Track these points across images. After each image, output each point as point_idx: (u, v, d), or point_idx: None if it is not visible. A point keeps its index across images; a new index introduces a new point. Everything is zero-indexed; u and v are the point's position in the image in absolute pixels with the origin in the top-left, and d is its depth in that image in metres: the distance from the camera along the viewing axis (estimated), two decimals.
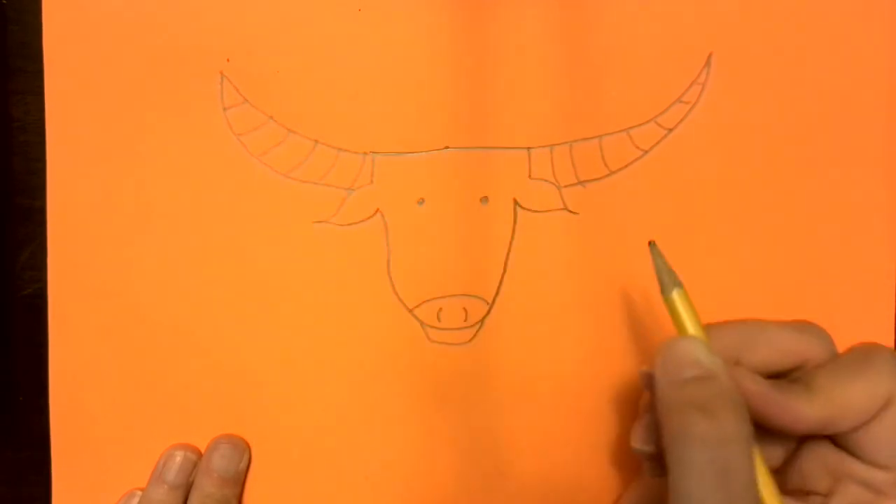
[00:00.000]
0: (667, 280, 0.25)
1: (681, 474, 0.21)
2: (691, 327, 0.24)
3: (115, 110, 0.31)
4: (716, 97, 0.31)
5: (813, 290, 0.32)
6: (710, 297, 0.32)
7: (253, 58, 0.31)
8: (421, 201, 0.31)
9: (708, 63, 0.31)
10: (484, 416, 0.32)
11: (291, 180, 0.31)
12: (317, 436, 0.32)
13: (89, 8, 0.30)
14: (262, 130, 0.31)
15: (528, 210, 0.31)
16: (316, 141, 0.31)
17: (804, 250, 0.32)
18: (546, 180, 0.31)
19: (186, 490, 0.31)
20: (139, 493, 0.31)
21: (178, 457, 0.31)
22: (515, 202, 0.31)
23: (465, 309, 0.32)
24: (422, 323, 0.32)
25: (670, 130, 0.32)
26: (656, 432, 0.24)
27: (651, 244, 0.26)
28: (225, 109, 0.31)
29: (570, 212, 0.32)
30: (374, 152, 0.31)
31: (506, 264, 0.32)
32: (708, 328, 0.25)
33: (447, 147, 0.31)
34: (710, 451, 0.21)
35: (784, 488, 0.25)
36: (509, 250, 0.32)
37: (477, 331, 0.32)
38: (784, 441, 0.26)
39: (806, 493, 0.25)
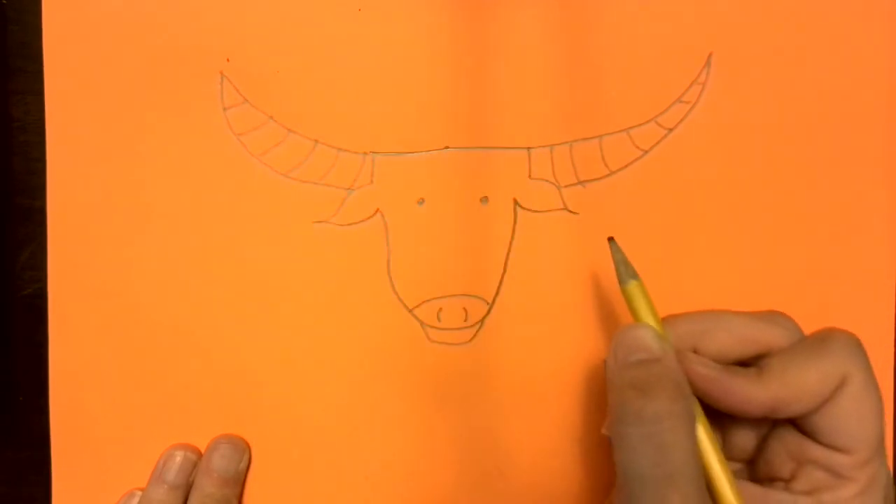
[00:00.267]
0: (623, 272, 0.27)
1: (621, 450, 0.22)
2: (644, 316, 0.26)
3: (115, 110, 0.31)
4: (716, 97, 0.31)
5: (813, 289, 0.32)
6: (710, 296, 0.32)
7: (253, 58, 0.31)
8: (421, 201, 0.31)
9: (708, 63, 0.31)
10: (484, 416, 0.32)
11: (291, 180, 0.31)
12: (317, 436, 0.32)
13: (89, 8, 0.30)
14: (262, 130, 0.31)
15: (528, 210, 0.31)
16: (316, 141, 0.31)
17: (804, 250, 0.32)
18: (546, 180, 0.31)
19: (186, 490, 0.31)
20: (139, 493, 0.31)
21: (178, 457, 0.31)
22: (515, 202, 0.31)
23: (465, 309, 0.32)
24: (422, 323, 0.32)
25: (670, 130, 0.32)
26: None
27: (610, 240, 0.27)
28: (225, 109, 0.31)
29: (570, 212, 0.32)
30: (374, 152, 0.31)
31: (506, 264, 0.32)
32: (668, 318, 0.26)
33: (447, 147, 0.31)
34: (644, 427, 0.22)
35: (754, 477, 0.26)
36: (509, 250, 0.32)
37: (477, 331, 0.32)
38: (753, 429, 0.26)
39: (772, 480, 0.25)
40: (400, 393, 0.32)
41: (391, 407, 0.32)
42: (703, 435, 0.24)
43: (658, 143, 0.32)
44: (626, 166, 0.32)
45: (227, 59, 0.31)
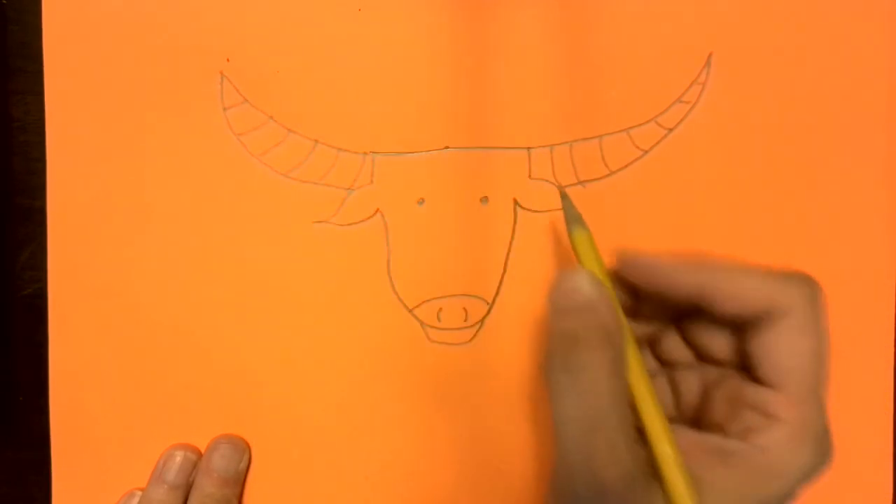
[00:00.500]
0: (571, 220, 0.27)
1: (551, 395, 0.23)
2: (587, 261, 0.26)
3: (115, 110, 0.31)
4: (716, 97, 0.31)
5: None
6: None
7: (253, 58, 0.31)
8: (421, 201, 0.31)
9: (708, 63, 0.31)
10: (484, 416, 0.32)
11: (291, 180, 0.31)
12: (317, 436, 0.32)
13: (89, 8, 0.30)
14: (262, 130, 0.31)
15: (528, 210, 0.31)
16: (316, 141, 0.31)
17: (804, 250, 0.32)
18: (546, 180, 0.31)
19: (186, 490, 0.31)
20: (139, 493, 0.31)
21: (178, 457, 0.31)
22: (515, 202, 0.31)
23: (465, 309, 0.32)
24: (422, 323, 0.32)
25: (670, 130, 0.32)
26: None
27: (560, 191, 0.27)
28: (225, 109, 0.31)
29: None
30: (374, 152, 0.31)
31: (506, 264, 0.32)
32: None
33: (447, 147, 0.31)
34: (571, 374, 0.22)
35: (701, 426, 0.26)
36: (509, 250, 0.32)
37: (477, 331, 0.32)
38: (698, 377, 0.26)
39: (710, 427, 0.25)
40: (400, 393, 0.32)
41: (391, 407, 0.32)
42: (639, 381, 0.24)
43: (658, 143, 0.32)
44: (626, 166, 0.32)
45: (227, 59, 0.31)
